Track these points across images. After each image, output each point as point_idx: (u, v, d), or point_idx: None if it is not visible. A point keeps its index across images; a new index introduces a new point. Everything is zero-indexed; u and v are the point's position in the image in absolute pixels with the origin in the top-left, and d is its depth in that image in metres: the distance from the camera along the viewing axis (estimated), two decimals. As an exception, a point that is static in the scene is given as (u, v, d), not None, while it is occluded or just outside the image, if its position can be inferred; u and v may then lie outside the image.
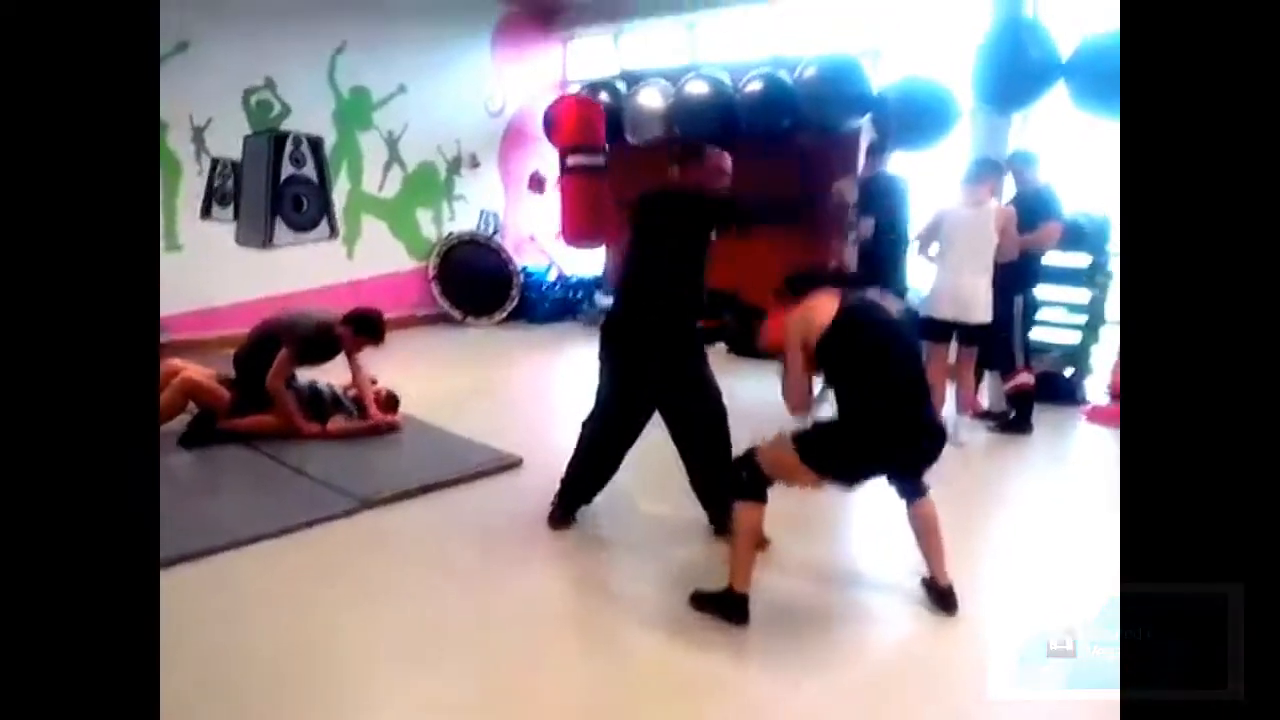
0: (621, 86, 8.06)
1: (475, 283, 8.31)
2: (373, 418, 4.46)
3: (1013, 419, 4.98)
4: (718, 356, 4.37)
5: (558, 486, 3.47)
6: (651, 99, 7.56)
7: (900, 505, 2.86)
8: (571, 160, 6.62)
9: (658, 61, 8.22)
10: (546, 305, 8.48)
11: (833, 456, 2.61)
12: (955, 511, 3.77)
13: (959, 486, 4.11)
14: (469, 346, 7.39)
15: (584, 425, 3.40)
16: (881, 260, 4.92)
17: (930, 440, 2.68)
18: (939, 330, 4.65)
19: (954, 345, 4.74)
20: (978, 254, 4.47)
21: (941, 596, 2.82)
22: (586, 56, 9.00)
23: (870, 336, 2.66)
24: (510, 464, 4.13)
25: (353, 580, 3.00)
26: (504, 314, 8.36)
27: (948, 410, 4.63)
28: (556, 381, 6.63)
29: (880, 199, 5.09)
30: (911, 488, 2.82)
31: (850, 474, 2.68)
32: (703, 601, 2.77)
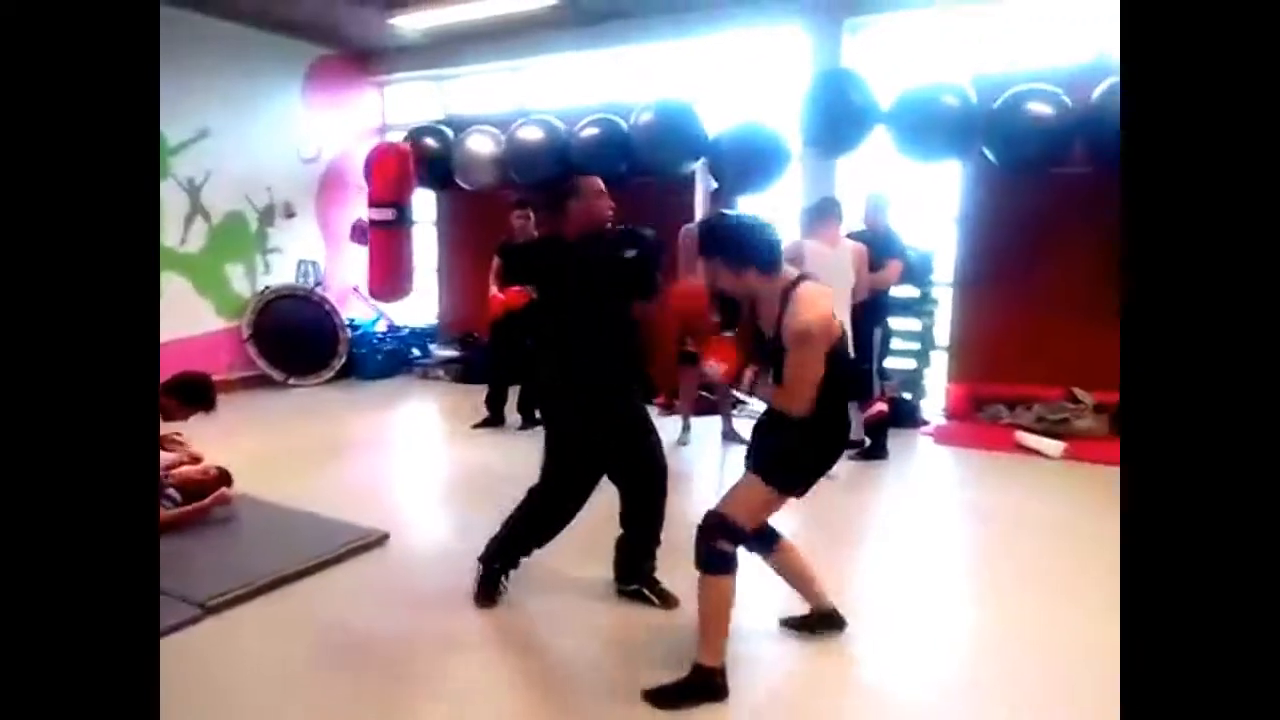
0: (448, 132, 7.80)
1: (297, 340, 7.65)
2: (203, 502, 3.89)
3: (869, 446, 5.16)
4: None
5: (478, 566, 3.17)
6: (482, 145, 7.35)
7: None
8: (375, 215, 6.46)
9: (485, 107, 8.04)
10: (379, 359, 7.95)
11: (800, 469, 2.53)
12: (834, 541, 3.85)
13: (835, 517, 4.18)
14: (297, 410, 6.75)
15: (534, 494, 3.11)
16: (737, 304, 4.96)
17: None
18: None
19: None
20: (838, 290, 4.56)
21: (827, 619, 2.88)
22: (407, 102, 8.66)
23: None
24: (375, 540, 3.73)
25: (202, 710, 2.49)
26: (331, 372, 7.74)
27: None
28: (401, 441, 6.18)
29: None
30: (771, 535, 2.78)
31: (808, 481, 2.58)
32: (665, 696, 2.48)
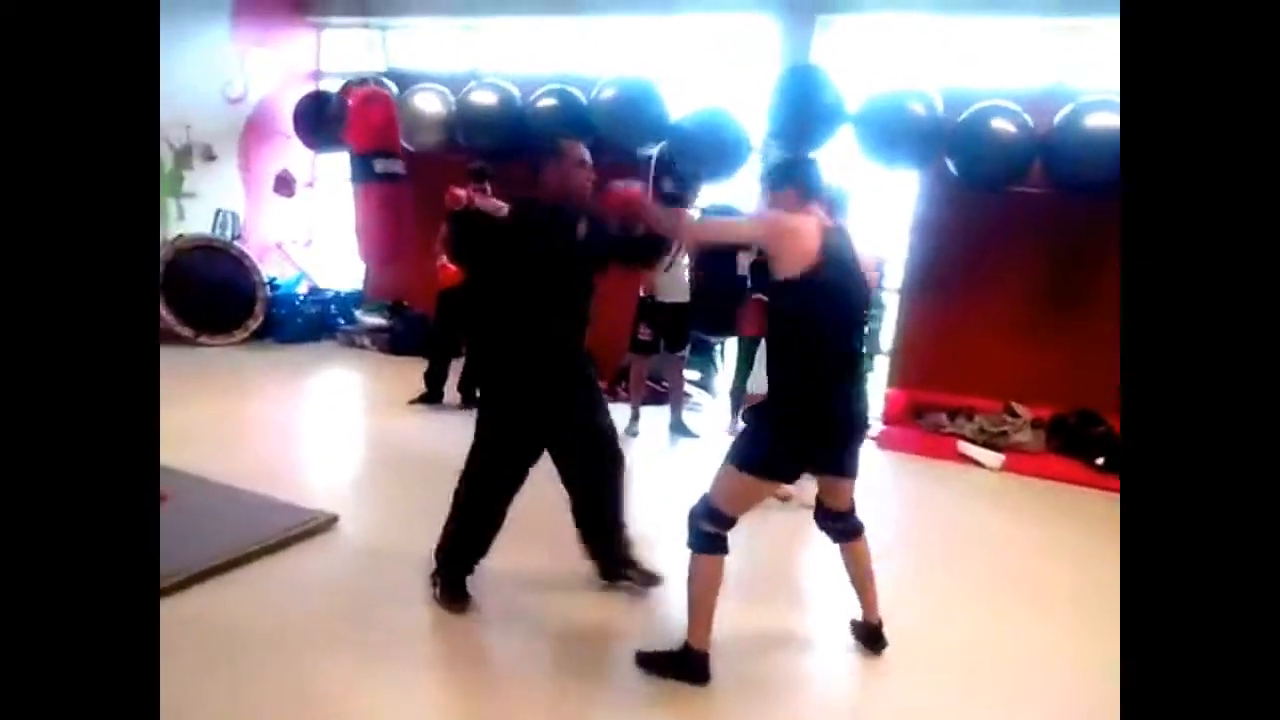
0: (391, 86, 7.36)
1: (210, 295, 7.08)
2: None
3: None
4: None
5: (433, 562, 2.94)
6: (430, 104, 6.99)
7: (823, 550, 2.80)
8: (380, 166, 5.90)
9: (432, 64, 7.63)
10: (299, 323, 7.48)
11: (771, 456, 2.47)
12: (781, 542, 3.82)
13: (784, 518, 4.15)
14: (210, 372, 6.26)
15: (465, 480, 2.89)
16: (711, 295, 4.84)
17: (854, 432, 2.63)
18: None
19: None
20: None
21: (871, 634, 2.83)
22: (345, 48, 8.14)
23: (839, 294, 2.46)
24: (323, 524, 3.45)
25: None
26: (246, 333, 7.22)
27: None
28: (333, 413, 5.81)
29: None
30: (845, 529, 2.77)
31: (786, 468, 2.57)
32: (653, 663, 2.55)
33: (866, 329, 4.89)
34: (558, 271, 2.78)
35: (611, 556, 3.09)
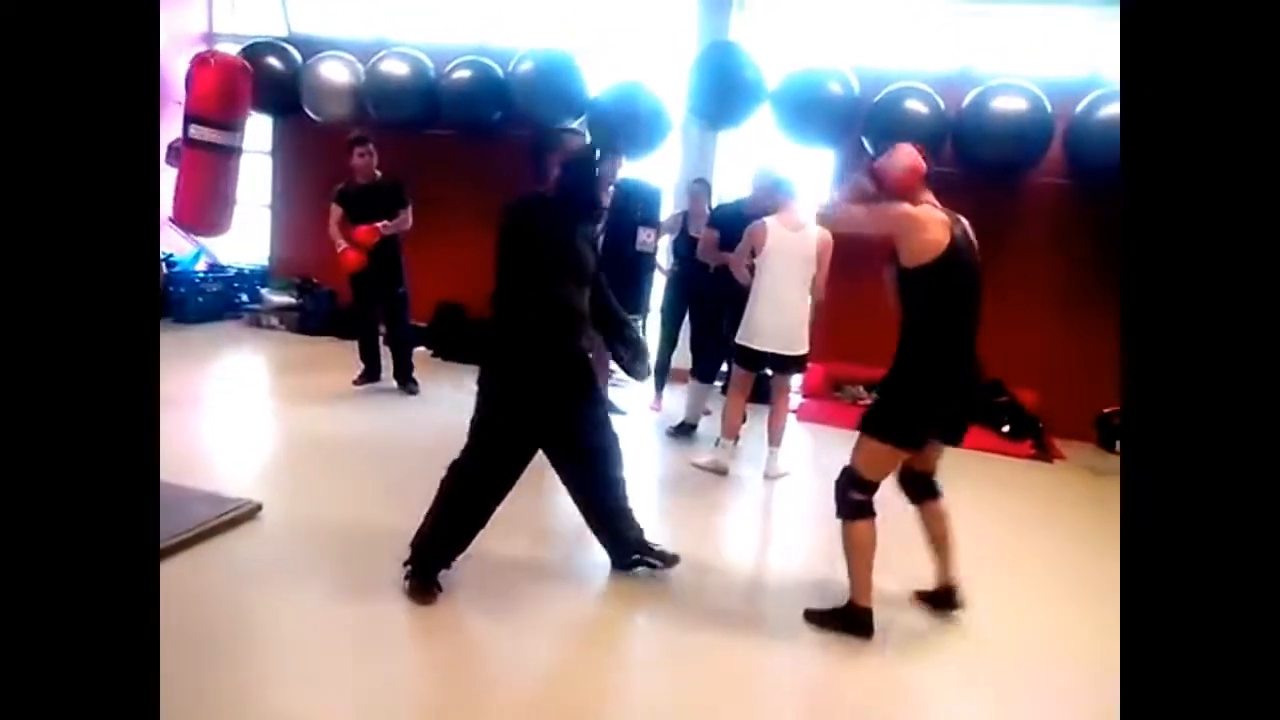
0: (293, 52, 7.03)
1: (100, 273, 6.65)
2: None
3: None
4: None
5: (408, 551, 2.84)
6: (337, 73, 6.70)
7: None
8: (195, 132, 5.64)
9: (337, 30, 7.31)
10: (200, 301, 7.11)
11: (900, 423, 2.75)
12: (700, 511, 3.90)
13: (706, 486, 4.23)
14: (104, 354, 5.88)
15: (456, 476, 2.81)
16: (624, 272, 4.79)
17: (969, 401, 2.90)
18: (753, 359, 4.42)
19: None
20: (796, 283, 4.29)
21: (941, 596, 3.07)
22: (241, 10, 7.71)
23: (968, 277, 2.74)
24: (246, 513, 3.31)
25: None
26: (142, 312, 6.81)
27: (756, 443, 4.67)
28: (243, 397, 5.55)
29: (620, 206, 5.00)
30: (930, 489, 3.02)
31: (916, 435, 2.80)
32: (823, 618, 2.87)
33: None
34: (580, 269, 2.78)
35: (622, 543, 3.07)
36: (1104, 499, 4.78)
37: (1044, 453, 5.38)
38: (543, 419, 2.78)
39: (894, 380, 2.80)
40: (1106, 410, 5.69)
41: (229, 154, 5.69)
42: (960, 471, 5.01)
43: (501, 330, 2.76)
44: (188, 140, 5.70)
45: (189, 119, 5.71)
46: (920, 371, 2.74)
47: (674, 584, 3.14)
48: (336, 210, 5.27)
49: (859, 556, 2.80)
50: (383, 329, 5.57)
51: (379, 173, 5.33)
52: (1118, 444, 5.56)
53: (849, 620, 2.83)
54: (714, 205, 5.42)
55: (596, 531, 3.09)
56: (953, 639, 2.96)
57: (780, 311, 4.30)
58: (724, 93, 5.88)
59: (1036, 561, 3.75)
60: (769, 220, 4.27)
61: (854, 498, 2.79)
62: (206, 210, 5.78)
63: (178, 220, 5.94)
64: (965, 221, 2.80)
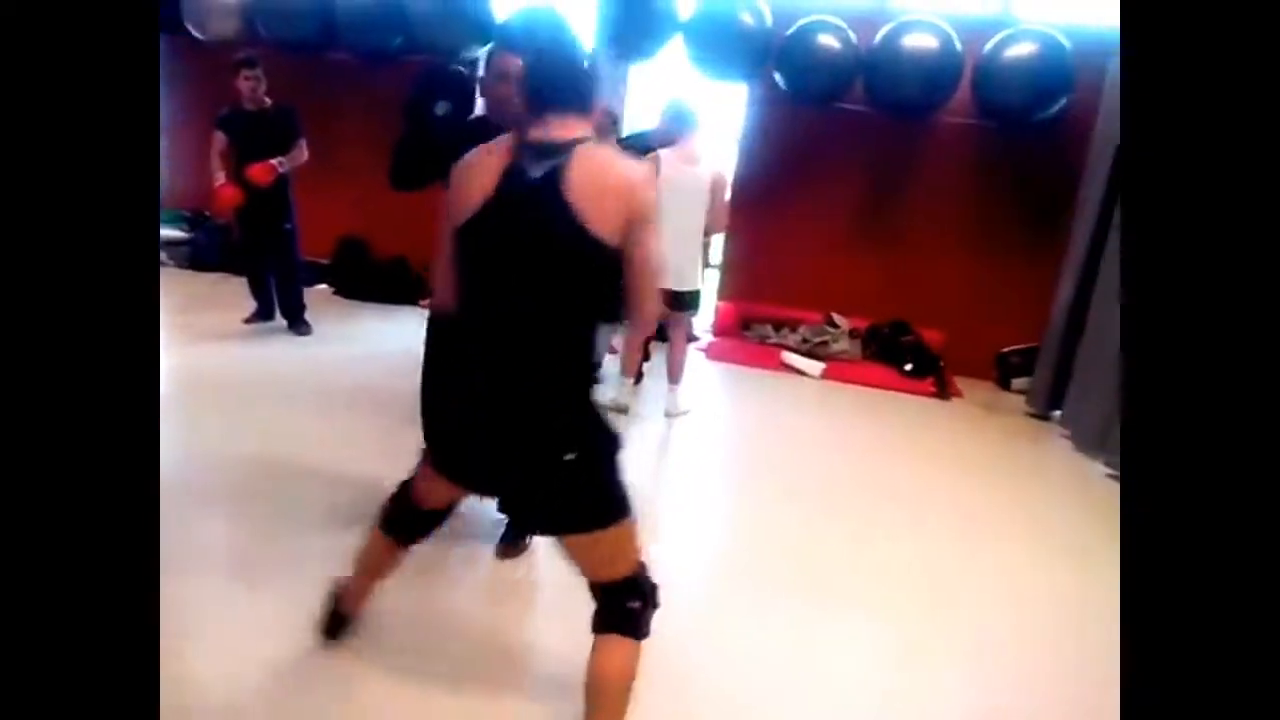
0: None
1: None
2: None
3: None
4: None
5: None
6: (223, -13, 6.24)
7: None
8: None
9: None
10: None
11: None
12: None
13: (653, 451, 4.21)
14: None
15: None
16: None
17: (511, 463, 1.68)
18: None
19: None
20: (688, 220, 4.14)
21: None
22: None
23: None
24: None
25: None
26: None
27: (657, 380, 4.61)
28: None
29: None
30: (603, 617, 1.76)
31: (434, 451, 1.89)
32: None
33: None
34: None
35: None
36: (997, 433, 4.93)
37: (943, 390, 5.51)
38: None
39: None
40: (1005, 349, 5.84)
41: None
42: (863, 408, 5.13)
43: None
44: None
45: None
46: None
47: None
48: (219, 138, 4.91)
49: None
50: (275, 266, 5.31)
51: (268, 100, 4.98)
52: (1012, 382, 5.73)
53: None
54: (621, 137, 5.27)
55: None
56: (846, 574, 3.00)
57: (670, 246, 4.15)
58: (635, 23, 5.68)
59: (931, 493, 3.83)
60: (663, 153, 4.11)
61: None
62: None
63: None
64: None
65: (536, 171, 1.60)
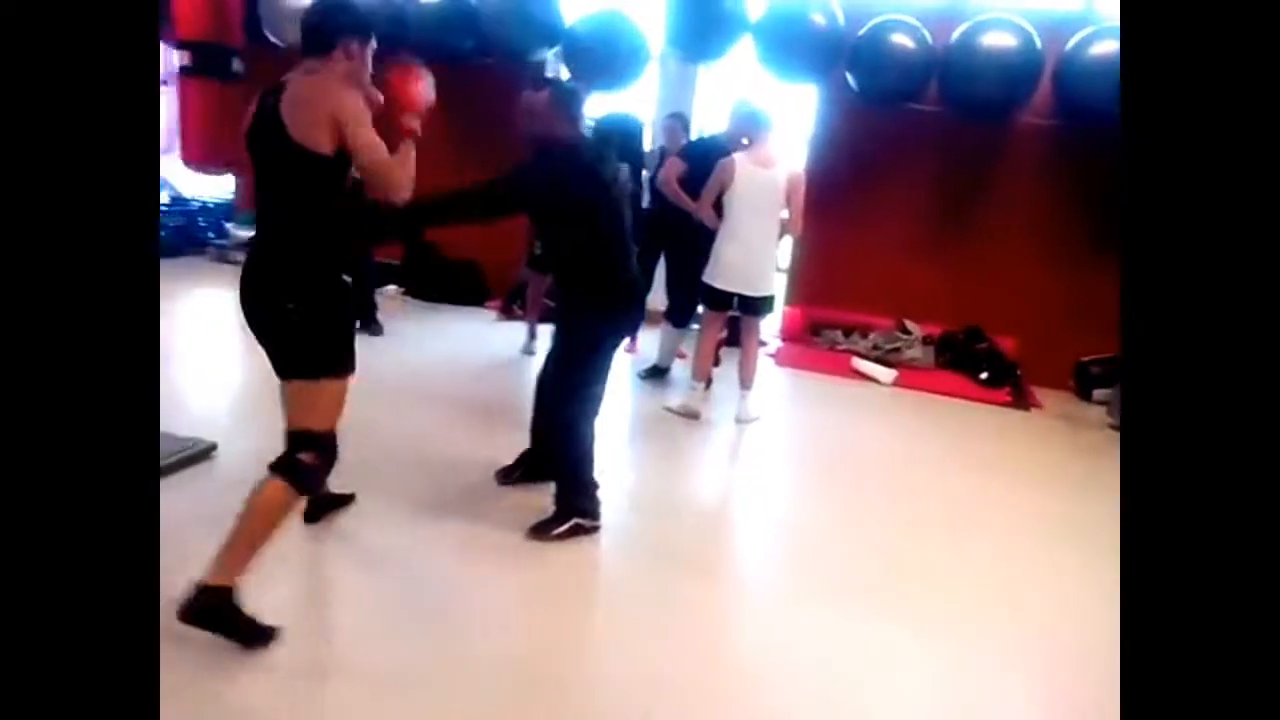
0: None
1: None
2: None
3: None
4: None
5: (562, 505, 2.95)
6: (301, -5, 6.37)
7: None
8: (189, 60, 5.34)
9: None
10: (163, 235, 6.87)
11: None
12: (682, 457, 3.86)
13: (678, 432, 4.17)
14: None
15: (573, 401, 2.92)
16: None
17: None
18: (720, 299, 4.26)
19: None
20: (764, 222, 4.10)
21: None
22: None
23: None
24: (200, 452, 3.20)
25: None
26: (101, 246, 6.58)
27: (727, 386, 4.54)
28: (203, 334, 5.40)
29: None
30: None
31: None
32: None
33: None
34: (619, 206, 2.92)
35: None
36: (1078, 447, 4.75)
37: (1021, 400, 5.35)
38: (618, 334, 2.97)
39: None
40: (1085, 359, 5.64)
41: (229, 80, 5.38)
42: (937, 418, 5.00)
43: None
44: (181, 70, 5.36)
45: (179, 46, 5.38)
46: None
47: (635, 527, 3.09)
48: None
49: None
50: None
51: None
52: (1094, 393, 5.53)
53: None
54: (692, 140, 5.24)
55: (535, 434, 3.22)
56: (916, 589, 2.92)
57: (746, 251, 4.14)
58: (703, 23, 5.65)
59: (1007, 509, 3.71)
60: (738, 156, 4.07)
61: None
62: (215, 143, 5.43)
63: (188, 160, 5.63)
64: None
65: (270, 100, 2.07)
